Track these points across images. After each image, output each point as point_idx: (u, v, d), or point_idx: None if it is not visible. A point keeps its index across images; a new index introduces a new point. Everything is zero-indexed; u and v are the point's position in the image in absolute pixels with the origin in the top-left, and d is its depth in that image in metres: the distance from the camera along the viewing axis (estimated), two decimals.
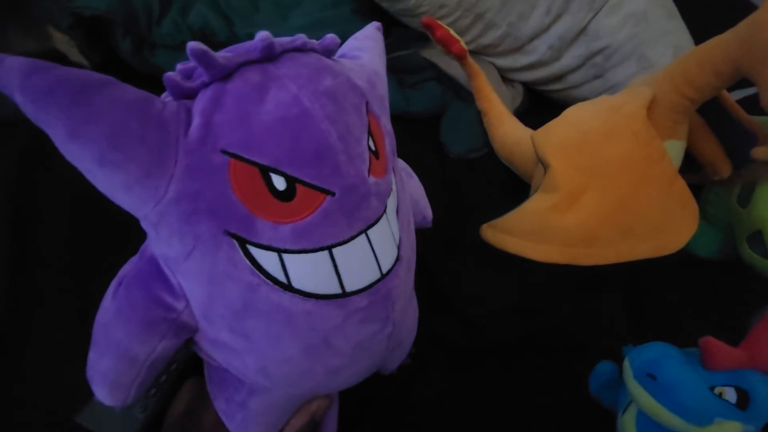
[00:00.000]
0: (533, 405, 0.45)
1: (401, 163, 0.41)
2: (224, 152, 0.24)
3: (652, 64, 0.68)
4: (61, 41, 0.61)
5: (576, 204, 0.42)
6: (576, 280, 0.51)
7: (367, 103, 0.29)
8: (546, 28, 0.71)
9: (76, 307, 0.41)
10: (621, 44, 0.70)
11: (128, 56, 0.61)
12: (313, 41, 0.29)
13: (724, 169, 0.49)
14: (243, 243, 0.25)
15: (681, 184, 0.42)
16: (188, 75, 0.27)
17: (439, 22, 0.58)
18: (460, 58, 0.62)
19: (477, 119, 0.68)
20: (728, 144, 0.49)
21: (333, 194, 0.26)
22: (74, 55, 0.62)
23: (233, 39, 0.63)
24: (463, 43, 0.60)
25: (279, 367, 0.29)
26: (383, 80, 0.34)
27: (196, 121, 0.25)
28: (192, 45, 0.24)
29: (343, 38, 0.73)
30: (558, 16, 0.70)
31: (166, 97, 0.27)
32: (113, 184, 0.24)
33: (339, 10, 0.67)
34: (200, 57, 0.24)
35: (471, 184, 0.63)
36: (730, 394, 0.30)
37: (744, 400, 0.30)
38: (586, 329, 0.49)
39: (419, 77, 0.75)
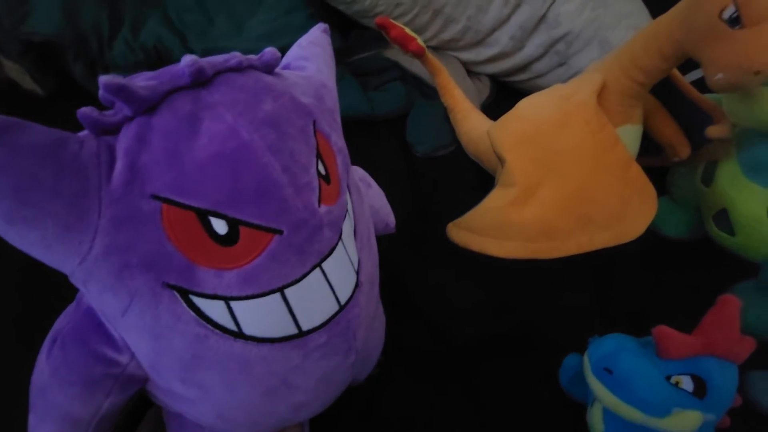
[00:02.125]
0: (507, 405, 0.45)
1: (359, 173, 0.40)
2: (155, 197, 0.22)
3: (614, 48, 0.68)
4: (13, 70, 0.60)
5: (533, 197, 0.41)
6: (545, 273, 0.51)
7: (315, 122, 0.27)
8: (506, 19, 0.71)
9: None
10: (581, 29, 0.69)
11: (82, 80, 0.60)
12: (252, 57, 0.27)
13: (683, 150, 0.49)
14: (185, 294, 0.23)
15: (636, 170, 0.42)
16: (112, 103, 0.24)
17: (393, 21, 0.57)
18: (418, 55, 0.61)
19: (443, 116, 0.68)
20: (686, 125, 0.49)
21: (281, 233, 0.24)
22: (27, 82, 0.61)
23: (186, 53, 0.62)
24: (420, 41, 0.60)
25: (238, 412, 0.28)
26: (332, 91, 0.32)
27: (120, 164, 0.22)
28: (104, 80, 0.21)
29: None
30: (516, 6, 0.69)
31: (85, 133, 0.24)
32: (29, 242, 0.21)
33: (295, 17, 0.66)
34: (117, 92, 0.22)
35: (439, 182, 0.63)
36: (687, 383, 0.30)
37: (701, 389, 0.30)
38: (557, 323, 0.49)
39: (383, 78, 0.75)
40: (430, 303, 0.49)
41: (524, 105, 0.44)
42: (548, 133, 0.41)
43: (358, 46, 0.73)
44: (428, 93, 0.72)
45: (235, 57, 0.26)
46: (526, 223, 0.42)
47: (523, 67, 0.76)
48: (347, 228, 0.28)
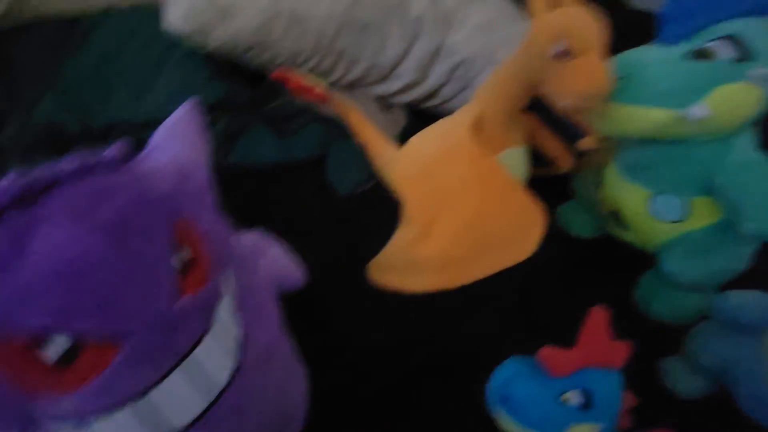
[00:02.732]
0: None
1: (252, 239, 0.40)
2: None
3: None
4: None
5: (432, 232, 0.43)
6: (466, 299, 0.52)
7: (175, 210, 0.27)
8: (405, 54, 0.74)
9: None
10: (476, 54, 0.74)
11: None
12: (95, 157, 0.26)
13: (566, 162, 0.53)
14: (23, 430, 0.22)
15: (521, 192, 0.45)
16: None
17: (289, 73, 0.59)
18: (323, 102, 0.63)
19: (359, 153, 0.70)
20: (566, 138, 0.53)
21: (127, 342, 0.23)
22: None
23: (87, 131, 0.61)
24: (322, 88, 0.62)
25: None
26: (200, 169, 0.32)
27: None
28: None
29: (203, 105, 0.72)
30: (412, 42, 0.73)
31: None
32: None
33: (197, 77, 0.67)
34: None
35: (362, 220, 0.64)
36: (576, 398, 0.32)
37: (590, 400, 0.32)
38: (484, 347, 0.50)
39: (299, 122, 0.76)
40: (356, 346, 0.50)
41: (413, 142, 0.47)
42: (435, 169, 0.44)
43: (270, 94, 0.75)
44: (345, 130, 0.75)
45: (72, 162, 0.25)
46: (430, 258, 0.44)
47: (432, 94, 0.80)
48: (225, 308, 0.28)
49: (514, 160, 0.47)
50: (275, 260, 0.41)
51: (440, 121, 0.48)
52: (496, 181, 0.43)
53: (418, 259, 0.43)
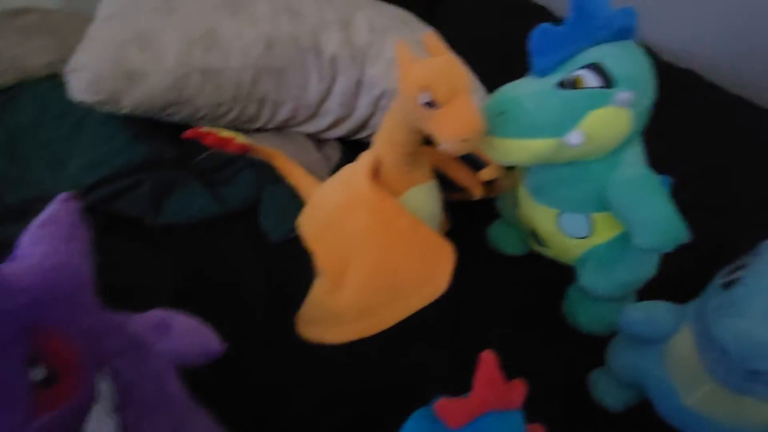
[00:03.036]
0: None
1: (151, 320, 0.39)
2: None
3: None
4: None
5: (344, 282, 0.44)
6: (397, 340, 0.52)
7: (34, 320, 0.25)
8: (328, 91, 0.76)
9: None
10: (394, 85, 0.76)
11: None
12: None
13: (476, 190, 0.54)
14: None
15: (425, 230, 0.46)
16: None
17: (203, 129, 0.59)
18: (245, 151, 0.64)
19: (291, 196, 0.70)
20: (473, 167, 0.54)
21: None
22: None
23: (5, 209, 0.60)
24: (240, 138, 0.62)
25: None
26: (72, 269, 0.30)
27: None
28: None
29: (126, 169, 0.71)
30: (332, 79, 0.74)
31: None
32: None
33: (117, 142, 0.67)
34: None
35: (296, 267, 0.63)
36: None
37: None
38: (415, 390, 0.49)
39: (231, 170, 0.76)
40: (282, 411, 0.49)
41: (318, 194, 0.48)
42: (338, 219, 0.45)
43: (197, 147, 0.75)
44: (278, 175, 0.75)
45: None
46: (345, 308, 0.44)
47: (362, 126, 0.81)
48: (100, 412, 0.28)
49: (421, 198, 0.48)
50: (181, 337, 0.40)
51: (342, 170, 0.49)
52: (398, 224, 0.44)
53: (335, 309, 0.44)
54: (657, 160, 0.49)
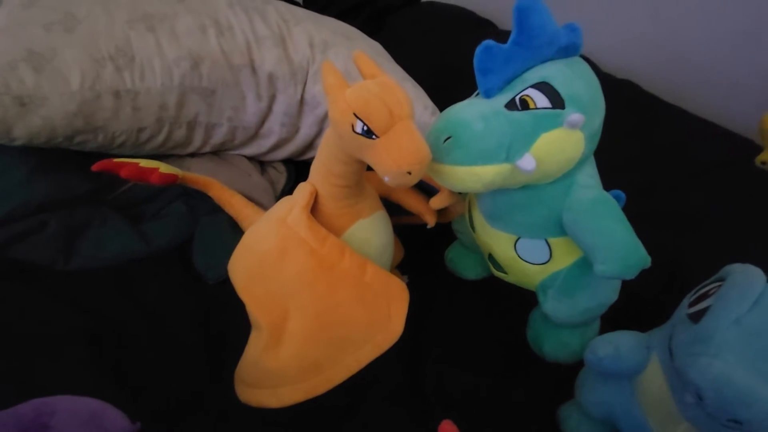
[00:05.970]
0: None
1: (30, 412, 0.32)
2: None
3: None
4: None
5: (284, 336, 0.38)
6: (349, 396, 0.47)
7: None
8: (267, 111, 0.70)
9: None
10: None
11: None
12: None
13: (429, 217, 0.50)
14: None
15: (373, 270, 0.40)
16: None
17: (118, 160, 0.51)
18: (171, 182, 0.56)
19: (231, 228, 0.62)
20: (425, 193, 0.51)
21: None
22: None
23: None
24: (164, 168, 0.54)
25: None
26: None
27: None
28: None
29: (24, 209, 0.61)
30: (271, 98, 0.68)
31: None
32: None
33: (12, 176, 0.57)
34: None
35: (238, 313, 0.56)
36: None
37: None
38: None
39: (160, 203, 0.68)
40: None
41: (248, 235, 0.42)
42: (272, 263, 0.39)
43: (117, 179, 0.66)
44: (213, 206, 0.67)
45: None
46: (287, 366, 0.38)
47: (308, 145, 0.76)
48: None
49: (369, 230, 0.43)
50: (84, 423, 0.33)
51: (277, 205, 0.43)
52: (341, 265, 0.39)
53: (275, 369, 0.37)
54: (605, 174, 0.47)
